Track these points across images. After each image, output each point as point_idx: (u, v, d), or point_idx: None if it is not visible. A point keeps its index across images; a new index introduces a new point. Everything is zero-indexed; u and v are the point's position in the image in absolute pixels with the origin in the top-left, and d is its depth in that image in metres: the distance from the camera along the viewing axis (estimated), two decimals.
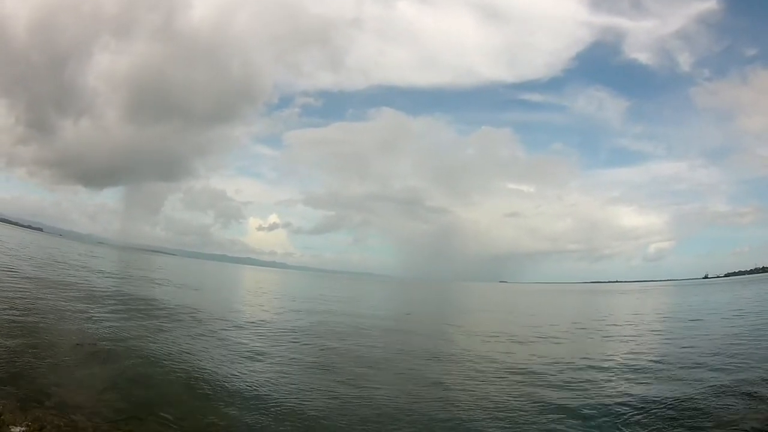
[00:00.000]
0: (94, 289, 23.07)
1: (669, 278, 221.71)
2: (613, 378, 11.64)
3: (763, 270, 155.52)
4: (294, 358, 13.05)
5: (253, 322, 19.16)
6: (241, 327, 17.57)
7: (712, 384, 10.47)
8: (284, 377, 10.89)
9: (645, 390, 10.39)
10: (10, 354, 9.73)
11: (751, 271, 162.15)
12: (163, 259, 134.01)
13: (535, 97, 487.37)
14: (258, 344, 14.41)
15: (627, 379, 11.46)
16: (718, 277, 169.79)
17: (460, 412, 9.12)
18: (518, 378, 11.80)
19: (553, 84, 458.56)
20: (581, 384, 11.01)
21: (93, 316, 15.45)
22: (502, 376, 12.00)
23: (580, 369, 12.64)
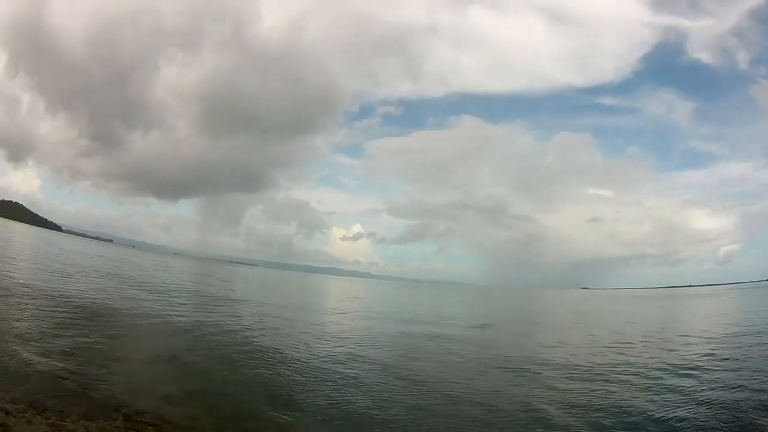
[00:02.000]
0: (174, 299, 24.16)
1: (737, 281, 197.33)
2: None
3: None
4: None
5: (332, 338, 18.39)
6: (319, 342, 16.72)
7: None
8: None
9: None
10: (81, 364, 9.49)
11: None
12: (245, 269, 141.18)
13: (608, 100, 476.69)
14: (338, 363, 13.37)
15: None
16: None
17: None
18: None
19: (624, 87, 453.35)
20: None
21: (174, 327, 15.69)
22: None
23: None
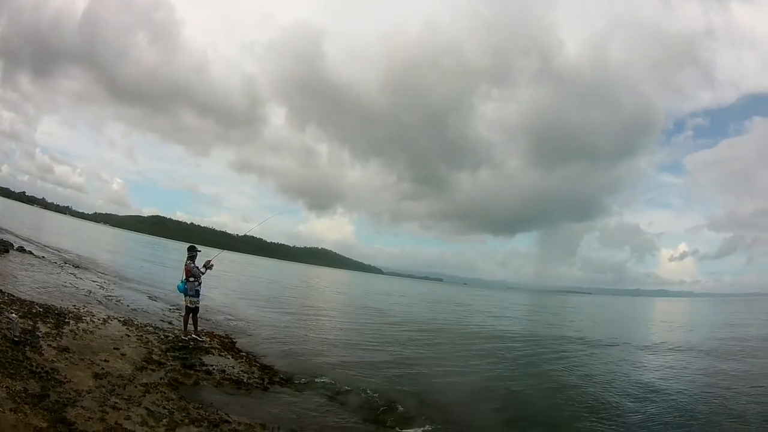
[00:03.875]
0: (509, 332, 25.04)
1: None
2: None
3: None
4: None
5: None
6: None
7: None
8: None
9: None
10: (399, 398, 9.52)
11: None
12: (576, 298, 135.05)
13: None
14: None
15: None
16: None
17: None
18: None
19: None
20: None
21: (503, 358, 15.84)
22: None
23: None
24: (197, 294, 12.03)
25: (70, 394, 5.65)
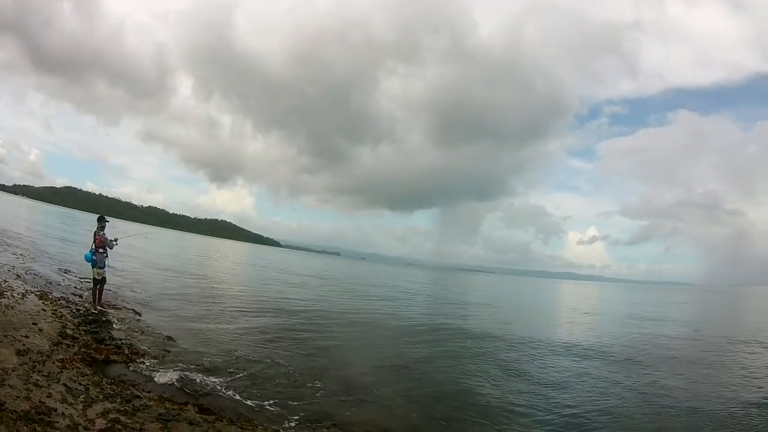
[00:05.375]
0: (403, 309, 26.04)
1: None
2: None
3: None
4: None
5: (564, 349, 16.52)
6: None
7: None
8: None
9: None
10: (301, 375, 9.79)
11: None
12: (478, 277, 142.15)
13: None
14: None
15: None
16: None
17: None
18: None
19: None
20: None
21: (402, 340, 15.73)
22: None
23: None
24: (104, 265, 12.30)
25: None
